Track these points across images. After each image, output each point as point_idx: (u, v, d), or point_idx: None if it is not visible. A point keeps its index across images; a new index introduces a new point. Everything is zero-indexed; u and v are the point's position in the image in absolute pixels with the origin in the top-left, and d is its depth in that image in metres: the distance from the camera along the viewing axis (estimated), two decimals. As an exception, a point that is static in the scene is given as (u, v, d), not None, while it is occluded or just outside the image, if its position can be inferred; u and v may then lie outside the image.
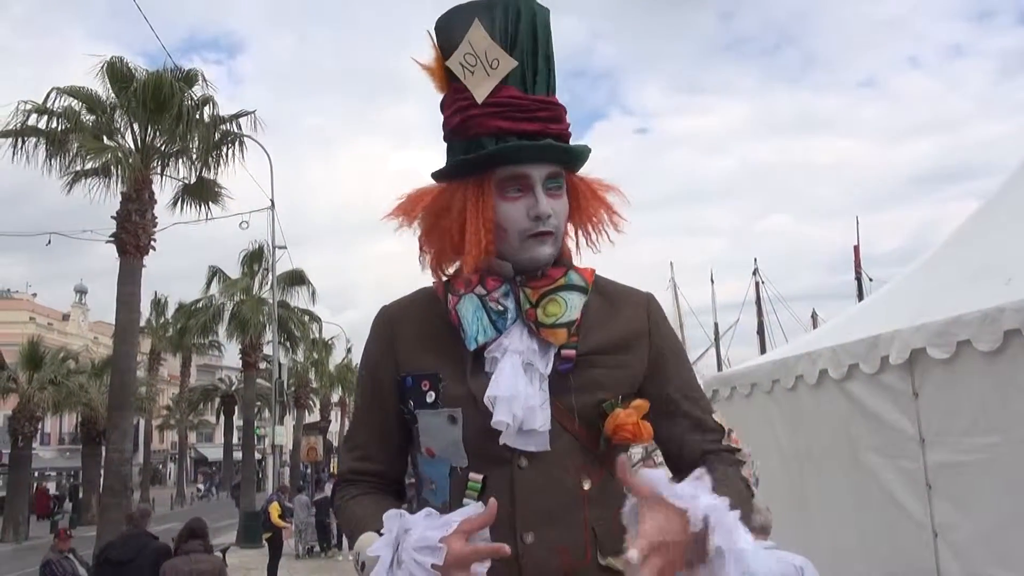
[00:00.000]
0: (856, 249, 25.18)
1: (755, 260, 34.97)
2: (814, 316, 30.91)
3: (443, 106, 1.36)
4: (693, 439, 1.33)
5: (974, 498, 3.39)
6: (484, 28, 1.28)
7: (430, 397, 1.29)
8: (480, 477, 1.24)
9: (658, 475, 1.09)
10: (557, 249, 1.32)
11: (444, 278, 1.37)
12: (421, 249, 1.38)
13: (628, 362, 1.32)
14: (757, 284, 32.57)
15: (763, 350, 27.11)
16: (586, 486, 1.23)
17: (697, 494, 1.05)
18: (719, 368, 28.61)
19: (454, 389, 1.27)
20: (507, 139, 1.27)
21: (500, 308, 1.28)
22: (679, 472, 1.26)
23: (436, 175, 1.36)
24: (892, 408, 3.81)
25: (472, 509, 1.14)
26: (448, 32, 1.32)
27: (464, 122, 1.31)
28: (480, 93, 1.28)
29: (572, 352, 1.27)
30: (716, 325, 36.58)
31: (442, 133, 1.38)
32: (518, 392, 1.21)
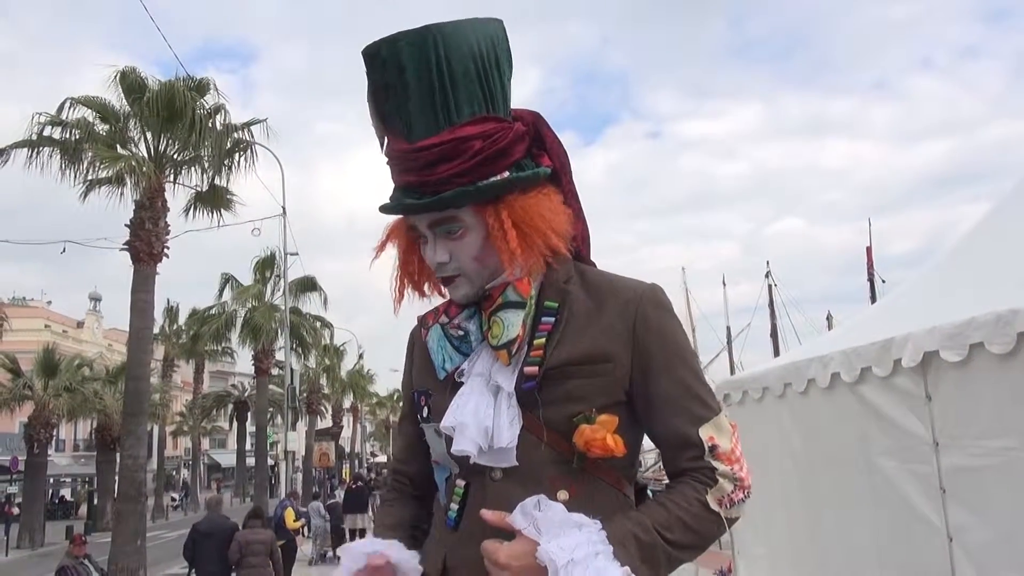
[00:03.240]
0: (869, 251, 25.06)
1: (767, 263, 34.80)
2: (829, 318, 30.72)
3: None
4: (670, 454, 1.29)
5: (989, 502, 3.36)
6: (368, 84, 1.29)
7: (425, 411, 1.40)
8: (463, 484, 1.31)
9: (527, 509, 1.15)
10: (475, 287, 1.31)
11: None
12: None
13: (609, 369, 1.27)
14: (770, 287, 32.46)
15: (776, 353, 26.98)
16: (561, 497, 1.22)
17: (549, 536, 1.12)
18: (731, 372, 28.50)
19: (439, 405, 1.35)
20: (397, 192, 1.31)
21: (460, 333, 1.33)
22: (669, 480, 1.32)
23: None
24: (905, 411, 3.79)
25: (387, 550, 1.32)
26: None
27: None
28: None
29: (534, 369, 1.25)
30: (728, 329, 36.44)
31: None
32: (475, 418, 1.25)
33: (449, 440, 1.30)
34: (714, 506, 1.23)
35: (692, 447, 1.26)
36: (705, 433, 1.26)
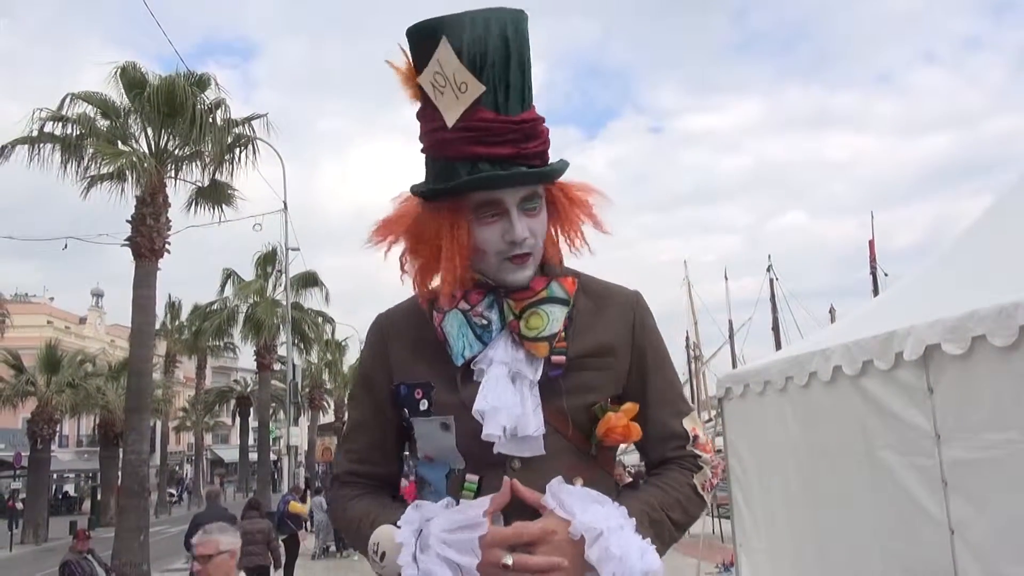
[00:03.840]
0: (871, 244, 25.01)
1: (769, 257, 34.80)
2: (832, 311, 30.69)
3: (419, 117, 1.35)
4: (657, 444, 1.39)
5: (991, 494, 3.36)
6: (452, 47, 1.23)
7: (423, 405, 1.33)
8: (476, 478, 1.28)
9: (554, 489, 1.21)
10: (536, 268, 1.34)
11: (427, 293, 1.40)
12: (402, 268, 1.39)
13: (613, 364, 1.36)
14: (771, 281, 32.44)
15: (778, 347, 26.95)
16: (577, 484, 1.26)
17: (579, 511, 1.18)
18: (733, 365, 28.50)
19: (445, 398, 1.31)
20: (480, 164, 1.26)
21: (484, 322, 1.32)
22: (647, 469, 1.43)
23: (414, 190, 1.35)
24: (907, 404, 3.79)
25: (484, 497, 1.22)
26: (418, 45, 1.28)
27: (438, 144, 1.29)
28: (450, 117, 1.26)
29: (562, 358, 1.30)
30: (730, 322, 36.45)
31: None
32: (505, 403, 1.24)
33: (464, 431, 1.27)
34: (700, 490, 1.37)
35: (677, 437, 1.39)
36: (688, 425, 1.40)
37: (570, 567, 1.17)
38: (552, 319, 1.31)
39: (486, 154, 1.25)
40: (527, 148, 1.27)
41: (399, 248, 1.39)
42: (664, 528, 1.29)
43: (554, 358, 1.30)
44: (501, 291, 1.33)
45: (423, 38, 1.27)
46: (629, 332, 1.39)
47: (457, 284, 1.31)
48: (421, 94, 1.30)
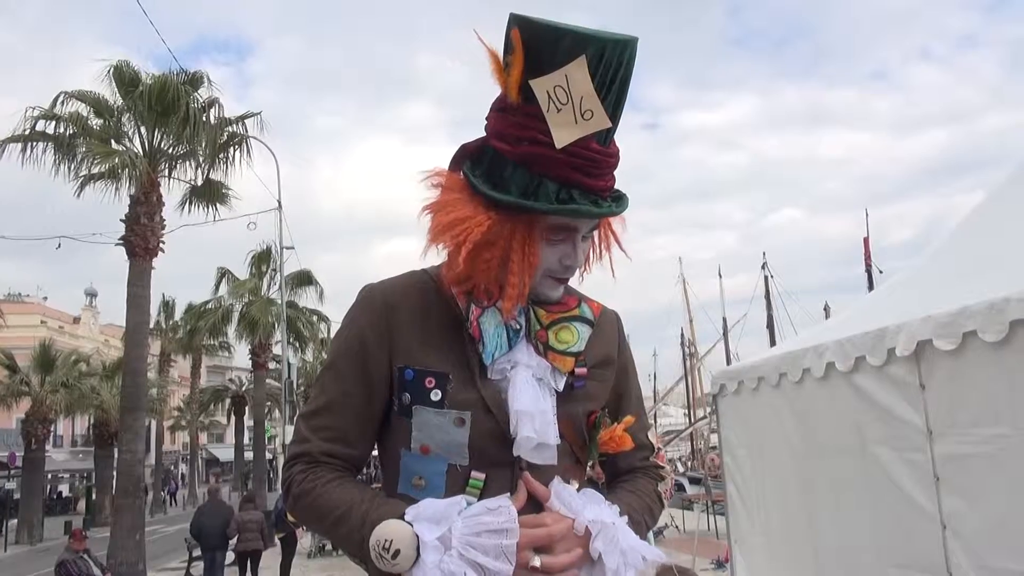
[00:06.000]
0: (866, 242, 25.06)
1: (763, 254, 34.91)
2: (826, 309, 30.78)
3: (503, 110, 1.26)
4: (630, 453, 1.45)
5: (982, 490, 3.38)
6: (588, 70, 1.15)
7: (435, 396, 1.27)
8: (483, 476, 1.26)
9: (558, 488, 1.27)
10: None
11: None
12: (451, 266, 1.31)
13: (607, 376, 1.44)
14: (766, 278, 32.54)
15: (772, 344, 27.03)
16: (574, 487, 1.31)
17: (584, 507, 1.25)
18: (728, 362, 28.55)
19: (463, 393, 1.27)
20: (571, 190, 1.22)
21: (517, 326, 1.33)
22: (611, 476, 1.51)
23: (477, 189, 1.27)
24: (899, 400, 3.81)
25: (502, 499, 1.21)
26: (544, 45, 1.17)
27: (536, 158, 1.21)
28: (561, 139, 1.19)
29: (585, 370, 1.36)
30: (724, 320, 36.58)
31: (486, 125, 1.30)
32: (539, 407, 1.27)
33: (480, 429, 1.26)
34: (662, 498, 1.50)
35: (645, 449, 1.51)
36: (652, 438, 1.55)
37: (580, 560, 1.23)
38: (581, 337, 1.36)
39: (583, 184, 1.22)
40: (611, 182, 1.27)
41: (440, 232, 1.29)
42: (642, 530, 1.37)
43: (578, 370, 1.35)
44: (528, 299, 1.33)
45: (557, 44, 1.16)
46: (615, 349, 1.47)
47: (522, 298, 1.29)
48: (520, 92, 1.20)
